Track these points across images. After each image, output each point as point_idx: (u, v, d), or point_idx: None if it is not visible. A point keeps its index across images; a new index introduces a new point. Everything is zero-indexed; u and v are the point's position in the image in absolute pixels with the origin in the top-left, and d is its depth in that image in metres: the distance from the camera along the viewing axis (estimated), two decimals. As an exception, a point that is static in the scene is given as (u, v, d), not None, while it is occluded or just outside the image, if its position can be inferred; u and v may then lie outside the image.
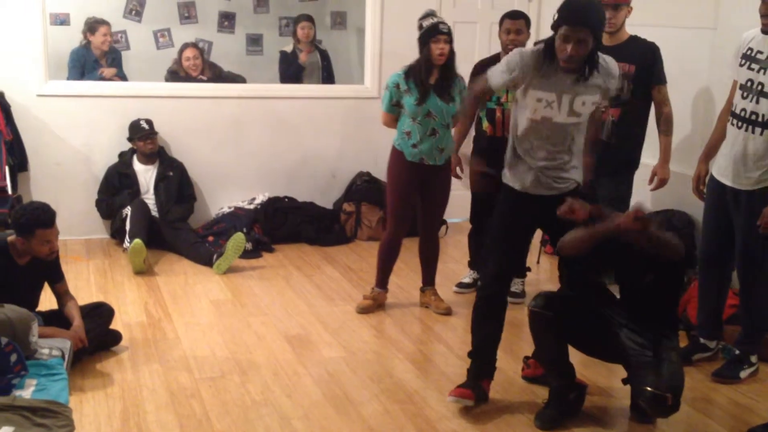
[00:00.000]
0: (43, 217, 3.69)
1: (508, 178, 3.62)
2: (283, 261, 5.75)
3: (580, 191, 3.58)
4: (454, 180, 5.16)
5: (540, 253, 5.85)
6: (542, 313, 3.46)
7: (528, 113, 3.43)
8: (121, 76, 6.65)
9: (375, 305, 4.84)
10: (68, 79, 6.42)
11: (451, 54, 4.51)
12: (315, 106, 6.44)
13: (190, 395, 3.70)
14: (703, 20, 5.07)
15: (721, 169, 3.94)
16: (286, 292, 5.12)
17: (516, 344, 4.41)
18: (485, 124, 4.87)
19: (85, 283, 5.11)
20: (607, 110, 4.44)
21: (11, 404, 2.95)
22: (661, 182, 4.52)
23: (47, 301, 4.10)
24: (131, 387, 3.76)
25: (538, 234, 4.90)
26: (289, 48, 7.11)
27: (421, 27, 4.53)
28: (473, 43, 6.50)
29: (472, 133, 5.08)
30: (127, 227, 5.58)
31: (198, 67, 6.49)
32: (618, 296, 3.52)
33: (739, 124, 3.82)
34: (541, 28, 6.30)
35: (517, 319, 4.72)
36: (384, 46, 6.37)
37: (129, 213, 5.65)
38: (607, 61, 3.48)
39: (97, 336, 3.99)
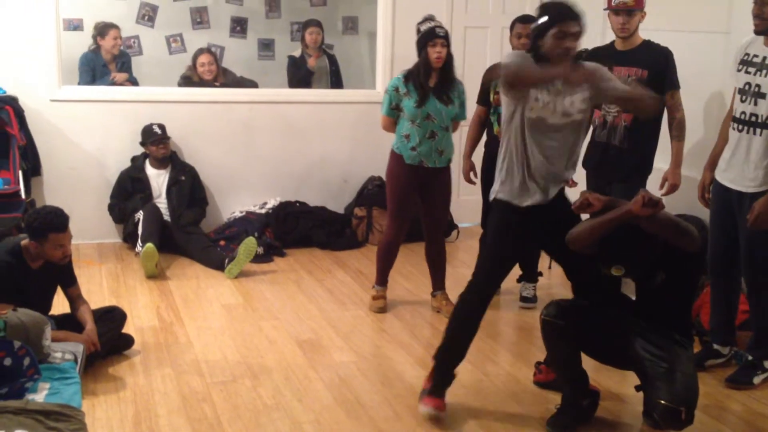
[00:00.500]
0: (56, 222, 3.71)
1: (509, 194, 3.50)
2: (294, 265, 5.76)
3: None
4: (465, 184, 5.17)
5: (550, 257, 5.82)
6: (554, 322, 3.43)
7: (527, 113, 3.40)
8: (132, 81, 6.68)
9: (386, 301, 4.89)
10: (79, 83, 6.46)
11: (449, 57, 4.57)
12: (326, 110, 6.45)
13: (201, 399, 3.71)
14: (716, 25, 5.05)
15: (725, 173, 3.96)
16: (298, 297, 5.13)
17: (528, 350, 4.39)
18: (496, 128, 4.87)
19: (98, 287, 5.12)
20: (619, 114, 4.43)
21: (24, 408, 2.96)
22: (672, 187, 4.50)
23: (60, 305, 4.12)
24: (143, 391, 3.76)
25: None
26: (297, 53, 7.13)
27: (419, 31, 4.60)
28: (484, 48, 6.51)
29: (484, 137, 5.09)
30: (140, 231, 5.60)
31: (212, 73, 6.51)
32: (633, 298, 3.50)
33: (740, 127, 3.87)
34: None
35: (528, 324, 4.71)
36: (395, 51, 6.38)
37: (141, 217, 5.67)
38: (595, 66, 3.51)
39: (109, 340, 4.00)
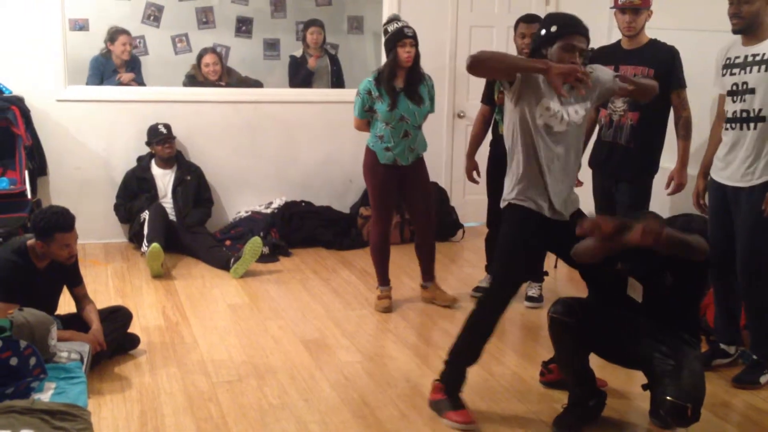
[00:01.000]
0: (62, 221, 3.72)
1: (523, 197, 3.48)
2: (300, 265, 5.76)
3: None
4: (471, 184, 5.16)
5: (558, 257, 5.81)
6: (562, 320, 3.43)
7: (537, 120, 3.38)
8: (139, 83, 6.68)
9: (392, 301, 4.91)
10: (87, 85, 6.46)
11: (417, 56, 4.68)
12: (332, 110, 6.45)
13: (207, 399, 3.71)
14: (722, 23, 5.01)
15: (721, 171, 3.99)
16: (303, 296, 5.13)
17: (534, 349, 4.39)
18: (501, 128, 4.85)
19: (104, 287, 5.13)
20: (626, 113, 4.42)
21: (30, 407, 2.97)
22: (678, 187, 4.49)
23: (66, 304, 4.13)
24: (149, 390, 3.77)
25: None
26: (298, 53, 7.14)
27: (386, 32, 4.69)
28: (490, 47, 6.48)
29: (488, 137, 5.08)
30: (145, 231, 5.61)
31: (217, 73, 6.51)
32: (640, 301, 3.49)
33: (733, 125, 3.91)
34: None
35: (534, 323, 4.70)
36: (400, 51, 6.36)
37: (147, 217, 5.68)
38: (593, 67, 3.51)
39: (115, 339, 4.01)
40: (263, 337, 4.45)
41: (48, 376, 3.35)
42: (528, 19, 4.81)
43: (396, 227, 6.16)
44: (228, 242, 5.94)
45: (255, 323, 4.65)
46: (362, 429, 3.49)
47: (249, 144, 6.33)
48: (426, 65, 4.84)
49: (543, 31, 3.38)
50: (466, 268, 5.64)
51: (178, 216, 5.90)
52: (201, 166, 6.14)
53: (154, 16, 7.56)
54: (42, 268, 3.82)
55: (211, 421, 3.51)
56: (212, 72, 6.48)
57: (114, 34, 6.63)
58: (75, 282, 4.02)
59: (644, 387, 3.45)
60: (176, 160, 6.03)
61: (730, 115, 3.94)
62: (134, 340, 4.19)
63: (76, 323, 3.94)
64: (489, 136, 5.08)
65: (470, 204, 6.56)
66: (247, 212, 6.26)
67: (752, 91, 3.82)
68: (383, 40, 4.74)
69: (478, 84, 5.08)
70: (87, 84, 6.48)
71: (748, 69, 3.85)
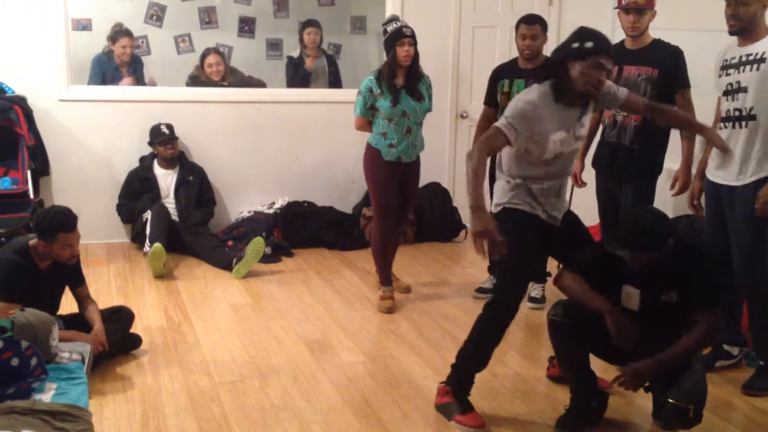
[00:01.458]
0: (64, 221, 3.71)
1: (521, 202, 3.48)
2: (302, 265, 5.76)
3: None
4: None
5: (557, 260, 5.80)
6: (562, 322, 3.42)
7: (543, 155, 3.36)
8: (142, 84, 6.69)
9: (394, 302, 4.92)
10: (89, 84, 6.46)
11: (416, 55, 4.74)
12: (334, 110, 6.44)
13: (209, 399, 3.70)
14: (726, 24, 5.01)
15: (716, 171, 3.98)
16: (306, 297, 5.12)
17: (535, 349, 4.38)
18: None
19: (106, 287, 5.13)
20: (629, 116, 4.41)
21: (31, 408, 2.97)
22: (683, 187, 4.48)
23: (68, 304, 4.12)
24: (151, 390, 3.76)
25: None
26: (296, 53, 7.14)
27: (385, 32, 4.75)
28: (493, 48, 6.49)
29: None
30: (148, 231, 5.61)
31: (220, 73, 6.51)
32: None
33: (727, 124, 3.92)
34: (562, 33, 6.26)
35: (536, 324, 4.69)
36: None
37: (149, 217, 5.68)
38: (614, 87, 3.54)
39: (117, 340, 4.00)
40: (265, 337, 4.44)
41: (49, 377, 3.34)
42: (528, 19, 4.80)
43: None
44: (230, 242, 5.93)
45: (257, 323, 4.64)
46: (365, 430, 3.49)
47: (251, 144, 6.33)
48: (428, 66, 4.85)
49: (576, 45, 3.29)
50: (468, 268, 5.63)
51: (181, 216, 5.90)
52: (203, 166, 6.14)
53: (156, 16, 7.56)
54: (44, 269, 3.81)
55: (213, 421, 3.50)
56: (215, 72, 6.48)
57: (116, 34, 6.63)
58: (77, 282, 4.01)
59: (646, 389, 3.44)
60: (179, 160, 6.03)
61: (724, 114, 3.95)
62: (136, 341, 4.19)
63: (78, 323, 3.93)
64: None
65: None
66: (249, 212, 6.26)
67: (745, 89, 3.83)
68: (383, 40, 4.76)
69: (481, 85, 5.07)
70: (88, 83, 6.49)
71: (741, 69, 3.85)
